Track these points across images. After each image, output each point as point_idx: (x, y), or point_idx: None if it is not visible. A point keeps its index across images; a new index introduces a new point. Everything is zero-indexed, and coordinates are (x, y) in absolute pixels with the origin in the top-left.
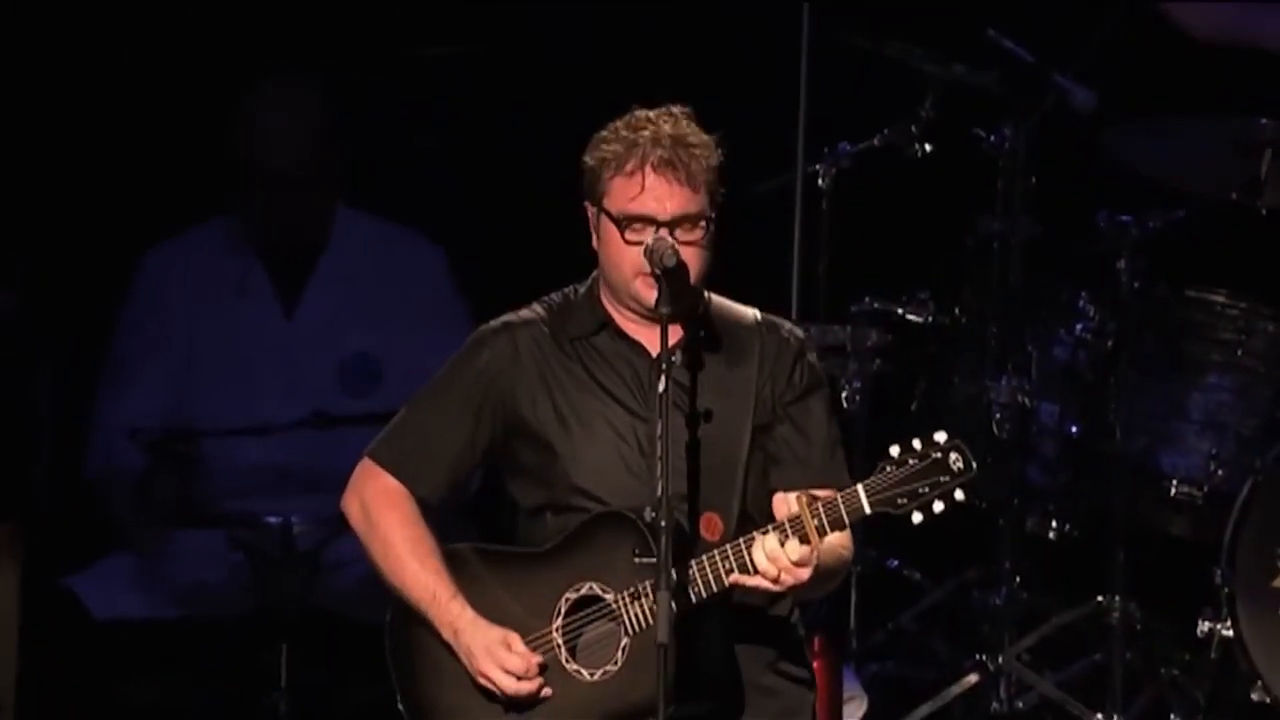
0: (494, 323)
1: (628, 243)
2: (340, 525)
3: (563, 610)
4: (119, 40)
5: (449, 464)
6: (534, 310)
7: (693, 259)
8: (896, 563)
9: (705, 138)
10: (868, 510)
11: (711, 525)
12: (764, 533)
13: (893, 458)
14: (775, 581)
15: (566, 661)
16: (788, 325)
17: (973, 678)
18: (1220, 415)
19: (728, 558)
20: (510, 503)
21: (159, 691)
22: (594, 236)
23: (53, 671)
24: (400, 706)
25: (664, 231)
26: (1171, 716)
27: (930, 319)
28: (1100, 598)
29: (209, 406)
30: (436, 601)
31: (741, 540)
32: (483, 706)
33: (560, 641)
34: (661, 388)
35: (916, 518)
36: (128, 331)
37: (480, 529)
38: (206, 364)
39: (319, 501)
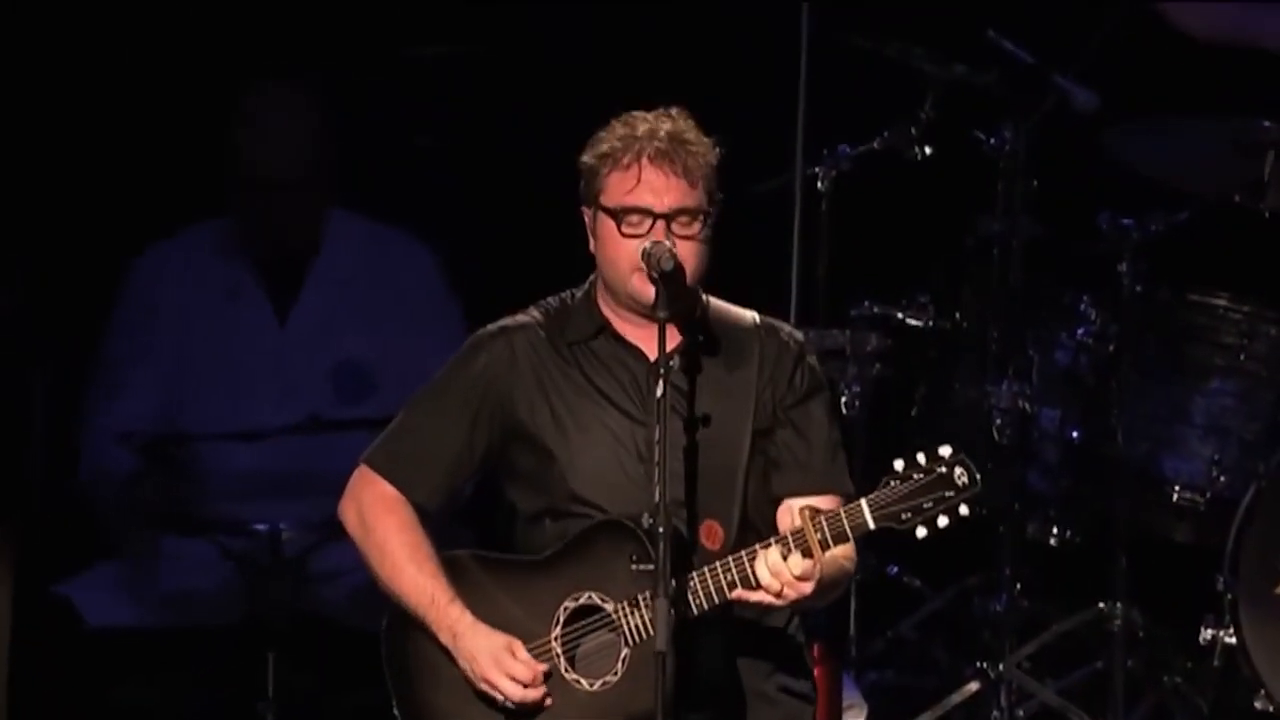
0: (491, 327)
1: (624, 235)
2: (329, 531)
3: (562, 619)
4: (115, 40)
5: (446, 470)
6: (531, 314)
7: (690, 255)
8: (896, 569)
9: (703, 137)
10: (871, 525)
11: (712, 533)
12: (766, 546)
13: (897, 472)
14: (778, 596)
15: (565, 671)
16: (787, 328)
17: (973, 686)
18: (1223, 420)
19: (729, 570)
20: (509, 507)
21: (147, 699)
22: (591, 239)
23: (45, 679)
24: (396, 712)
25: (660, 225)
26: None
27: (930, 323)
28: (1102, 604)
29: (202, 412)
30: (435, 605)
31: (743, 553)
32: (481, 713)
33: (559, 651)
34: (659, 392)
35: (920, 533)
36: (119, 334)
37: (475, 533)
38: (199, 369)
39: (310, 506)
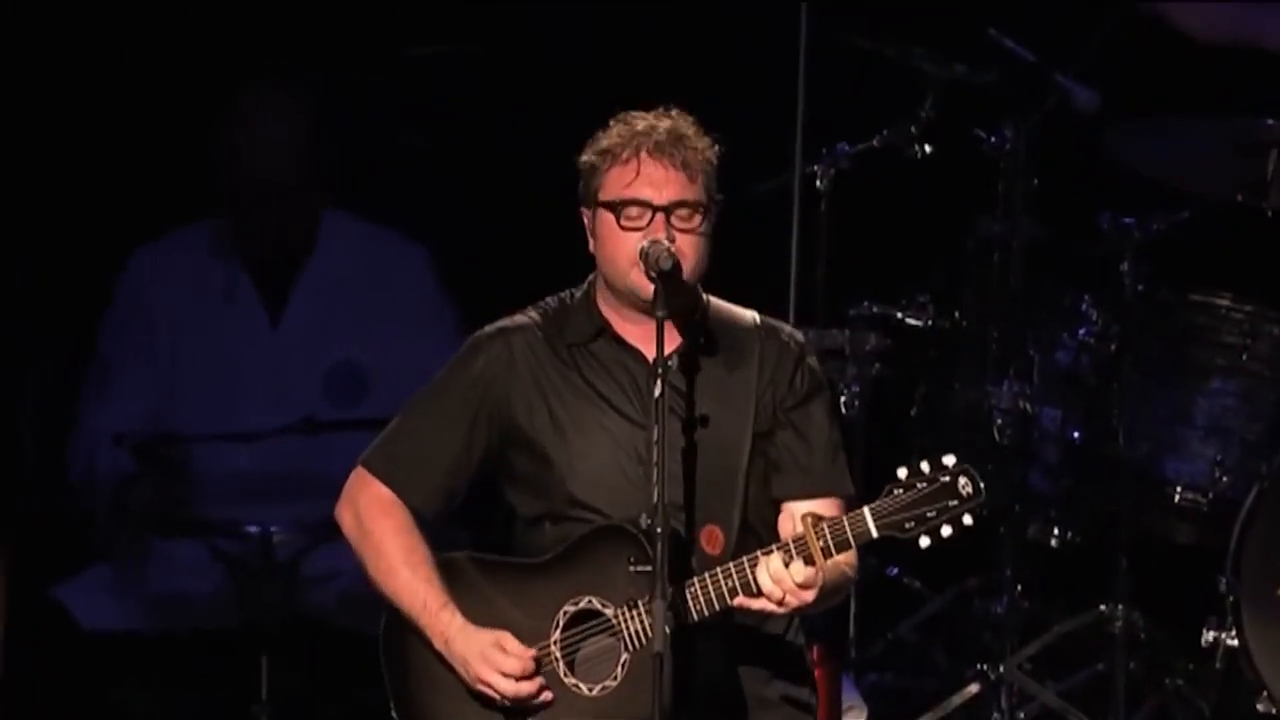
0: (489, 328)
1: (623, 229)
2: (322, 534)
3: (561, 623)
4: (108, 38)
5: (444, 473)
6: (529, 315)
7: (689, 249)
8: (896, 571)
9: (702, 134)
10: (874, 534)
11: (712, 538)
12: (767, 553)
13: (900, 480)
14: (779, 603)
15: (565, 675)
16: (788, 329)
17: (974, 688)
18: (1225, 420)
19: (730, 576)
20: (508, 510)
21: (141, 703)
22: (590, 241)
23: (38, 682)
24: (394, 714)
25: (659, 219)
26: None
27: (930, 323)
28: (1103, 606)
29: (195, 415)
30: (427, 610)
31: (744, 559)
32: (479, 714)
33: (558, 655)
34: (657, 392)
35: (924, 542)
36: (111, 335)
37: (471, 534)
38: (192, 372)
39: (303, 508)
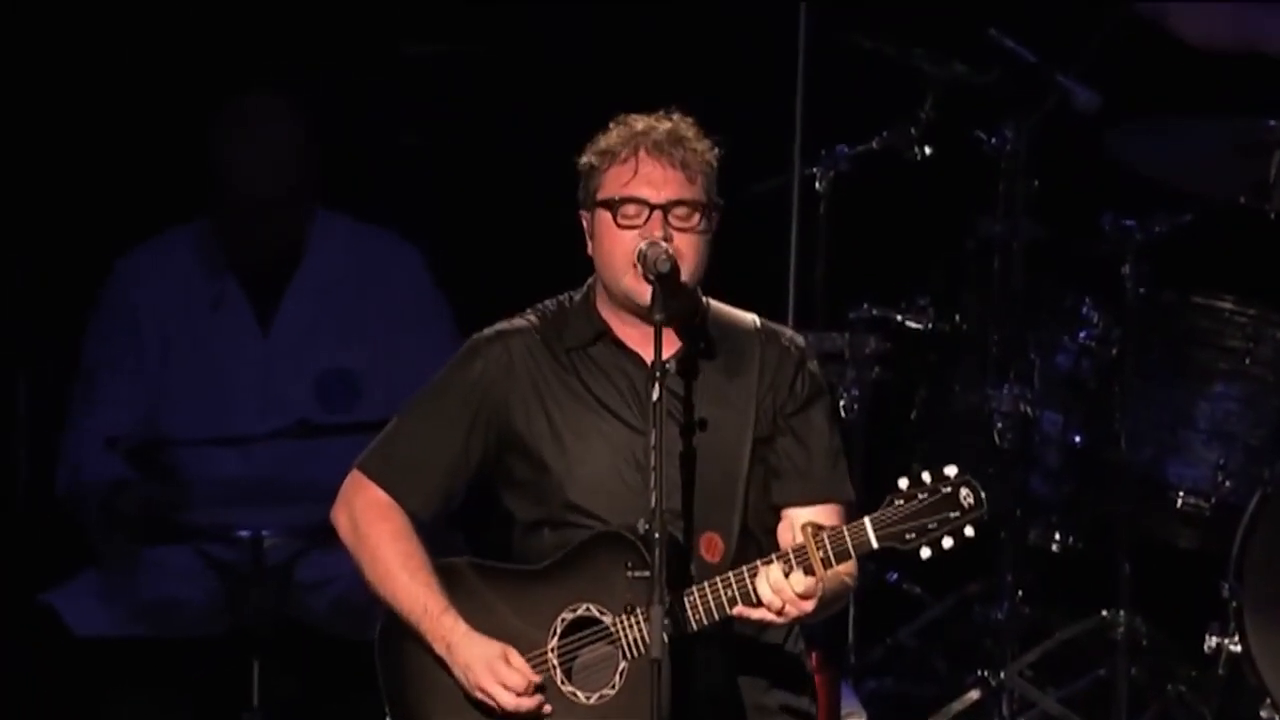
0: (488, 331)
1: (620, 227)
2: (314, 539)
3: (559, 630)
4: (99, 37)
5: (440, 477)
6: (528, 319)
7: (688, 249)
8: (896, 576)
9: (702, 137)
10: (875, 545)
11: (712, 546)
12: (767, 563)
13: (901, 491)
14: (779, 613)
15: (562, 683)
16: (788, 333)
17: (974, 694)
18: (1228, 424)
19: (730, 585)
20: (506, 516)
21: (132, 710)
22: (589, 243)
23: (30, 689)
24: None
25: (657, 217)
26: None
27: (930, 325)
28: (1105, 612)
29: (185, 421)
30: (428, 615)
31: (744, 569)
32: None
33: (556, 662)
34: (655, 396)
35: (925, 553)
36: (97, 341)
37: (467, 539)
38: (181, 380)
39: (296, 513)
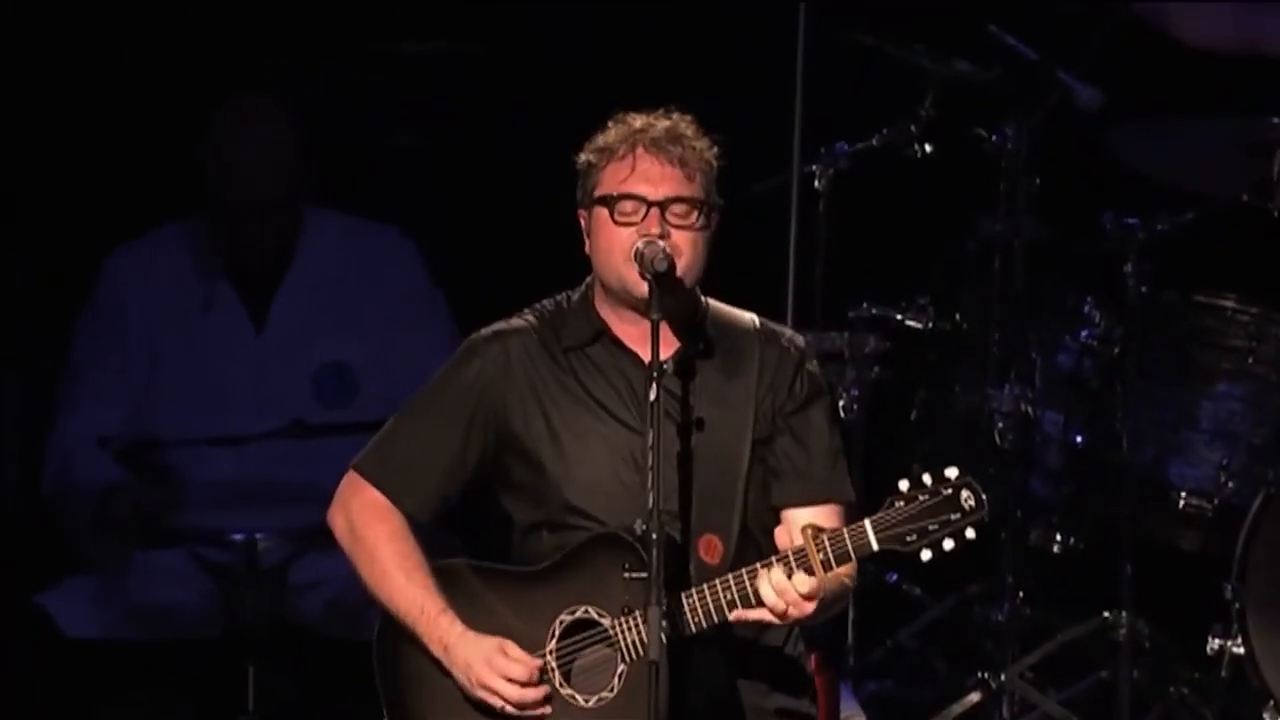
0: (485, 331)
1: (617, 224)
2: (308, 541)
3: (557, 633)
4: (91, 37)
5: (437, 479)
6: (526, 319)
7: (686, 246)
8: (895, 577)
9: (702, 136)
10: (875, 547)
11: (711, 548)
12: (767, 566)
13: (902, 493)
14: (782, 615)
15: (560, 686)
16: (788, 333)
17: (974, 696)
18: (1231, 424)
19: (729, 588)
20: (504, 518)
21: (126, 714)
22: (587, 242)
23: (23, 692)
24: None
25: (655, 214)
26: None
27: (930, 325)
28: (1107, 613)
29: (178, 423)
30: (425, 616)
31: (744, 571)
32: None
33: (554, 665)
34: (653, 396)
35: (925, 555)
36: (86, 338)
37: (465, 541)
38: (173, 380)
39: (290, 515)
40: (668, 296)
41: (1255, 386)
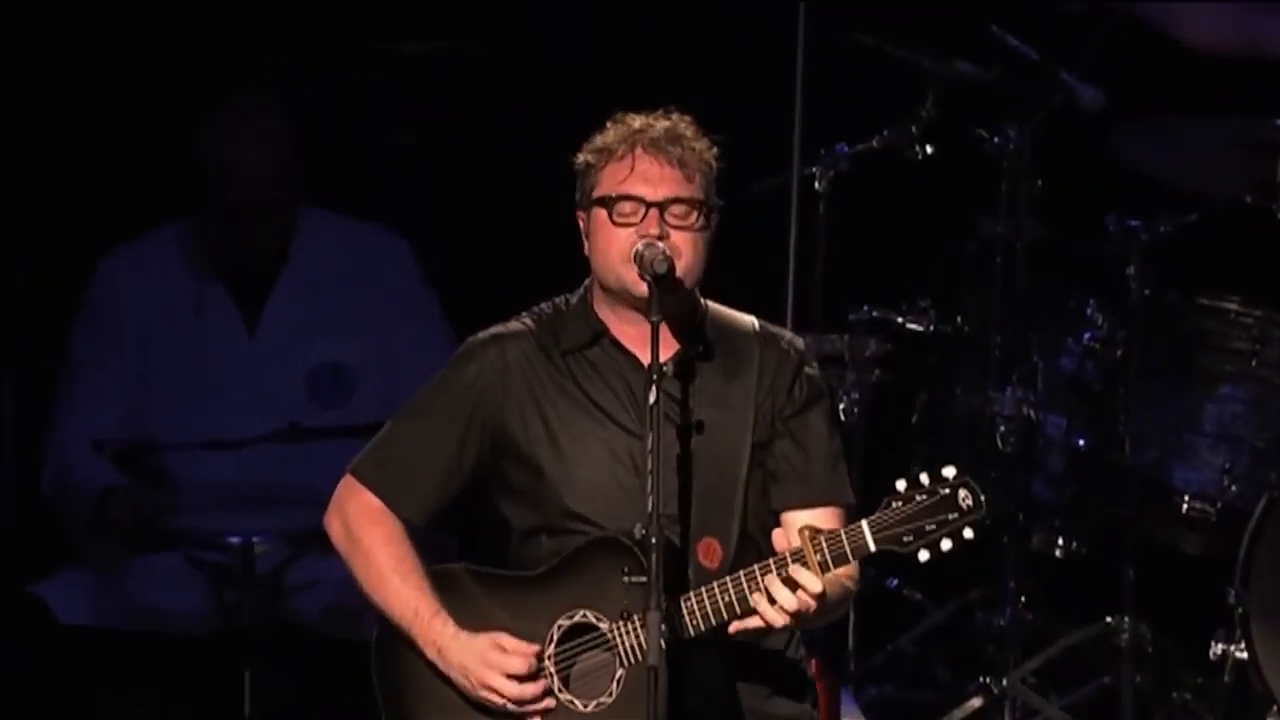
0: (483, 334)
1: (616, 224)
2: (304, 543)
3: (555, 638)
4: (87, 36)
5: (434, 483)
6: (524, 322)
7: (685, 247)
8: (896, 582)
9: (702, 137)
10: (872, 547)
11: (710, 551)
12: (765, 570)
13: (899, 493)
14: (783, 618)
15: (559, 691)
16: (788, 336)
17: (976, 701)
18: (1234, 428)
19: (727, 591)
20: (502, 522)
21: (123, 716)
22: (585, 242)
23: (20, 690)
24: None
25: (654, 215)
26: None
27: (931, 327)
28: (1109, 618)
29: (172, 424)
30: (419, 619)
31: (741, 574)
32: None
33: (552, 670)
34: (652, 398)
35: (923, 556)
36: (82, 340)
37: (463, 545)
38: (168, 382)
39: (287, 518)
40: (667, 298)
41: (1258, 389)
